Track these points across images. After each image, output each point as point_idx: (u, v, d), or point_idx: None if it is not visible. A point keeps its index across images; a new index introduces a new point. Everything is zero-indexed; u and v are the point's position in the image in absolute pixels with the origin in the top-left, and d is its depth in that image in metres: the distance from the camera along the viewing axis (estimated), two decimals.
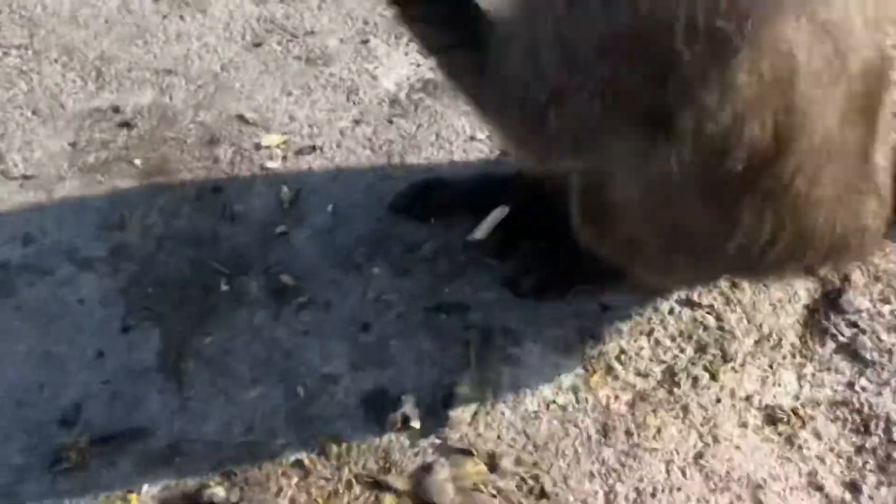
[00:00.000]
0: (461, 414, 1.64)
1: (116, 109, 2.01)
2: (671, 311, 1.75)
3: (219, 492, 1.53)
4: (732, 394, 1.66)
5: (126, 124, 1.99)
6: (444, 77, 1.64)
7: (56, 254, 1.80)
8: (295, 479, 1.56)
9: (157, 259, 1.81)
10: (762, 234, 1.47)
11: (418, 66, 2.15)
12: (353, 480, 1.56)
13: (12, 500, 1.52)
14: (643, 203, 1.49)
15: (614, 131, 1.40)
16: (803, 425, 1.62)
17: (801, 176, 1.44)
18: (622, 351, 1.72)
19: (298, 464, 1.58)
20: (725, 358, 1.69)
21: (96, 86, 2.05)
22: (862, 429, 1.61)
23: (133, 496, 1.53)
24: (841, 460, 1.58)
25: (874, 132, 1.53)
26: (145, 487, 1.54)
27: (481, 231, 1.84)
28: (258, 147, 1.98)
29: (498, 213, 1.84)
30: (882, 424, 1.61)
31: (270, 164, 1.96)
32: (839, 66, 1.39)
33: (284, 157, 1.97)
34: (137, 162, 1.94)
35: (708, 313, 1.74)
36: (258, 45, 2.14)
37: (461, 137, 2.02)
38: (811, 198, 1.47)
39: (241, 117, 2.02)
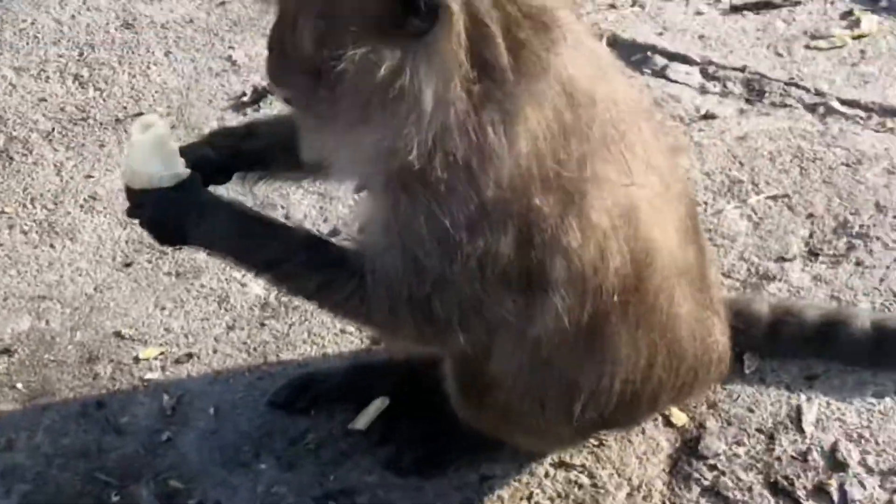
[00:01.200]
0: None
1: None
2: (546, 475, 1.83)
3: None
4: None
5: (6, 351, 2.00)
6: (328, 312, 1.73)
7: None
8: None
9: (47, 476, 1.82)
10: (640, 359, 1.58)
11: None
12: None
13: None
14: (525, 368, 1.59)
15: (496, 302, 1.51)
16: None
17: (663, 295, 1.59)
18: None
19: None
20: None
21: None
22: None
23: None
24: None
25: (703, 250, 1.70)
26: None
27: (362, 421, 1.90)
28: (137, 360, 2.02)
29: (378, 404, 1.91)
30: None
31: (150, 376, 2.00)
32: (665, 192, 1.57)
33: (163, 368, 2.02)
34: (19, 386, 1.96)
35: (580, 472, 1.82)
36: (129, 264, 2.20)
37: (332, 332, 2.09)
38: (674, 313, 1.62)
39: (118, 334, 2.07)
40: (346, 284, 1.55)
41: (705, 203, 2.26)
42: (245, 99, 2.63)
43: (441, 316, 1.50)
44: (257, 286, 2.19)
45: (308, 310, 2.13)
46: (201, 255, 2.25)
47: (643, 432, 1.87)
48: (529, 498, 1.79)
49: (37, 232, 2.26)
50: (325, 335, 2.09)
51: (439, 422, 1.78)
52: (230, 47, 2.78)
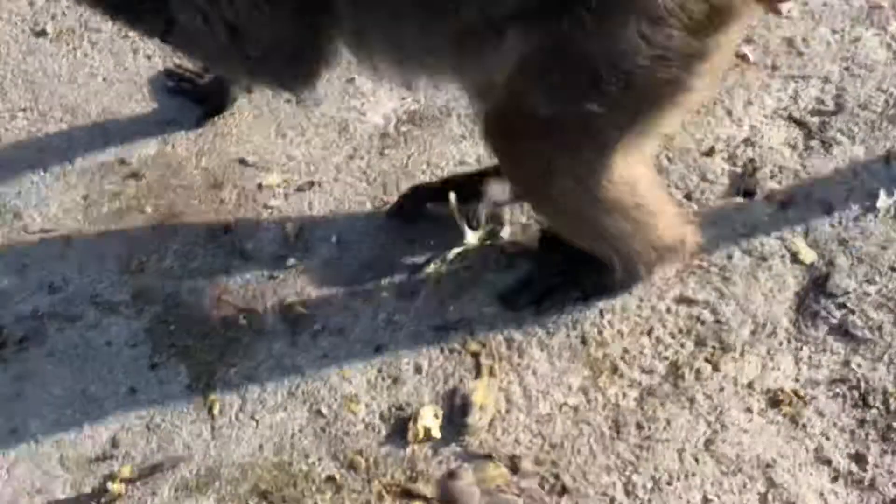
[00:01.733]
0: (479, 422, 1.67)
1: (123, 162, 2.04)
2: (668, 310, 1.80)
3: None
4: (735, 382, 1.70)
5: (134, 175, 2.02)
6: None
7: (81, 300, 1.83)
8: (328, 494, 1.59)
9: (177, 299, 1.84)
10: None
11: (403, 99, 2.19)
12: (384, 491, 1.59)
13: None
14: None
15: None
16: (805, 405, 1.66)
17: None
18: (625, 351, 1.76)
19: (330, 479, 1.61)
20: (725, 349, 1.74)
21: (102, 141, 2.07)
22: (861, 403, 1.66)
23: None
24: (844, 434, 1.63)
25: None
26: None
27: (472, 236, 1.87)
28: (260, 187, 2.02)
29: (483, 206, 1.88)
30: (880, 397, 1.66)
31: (273, 202, 2.00)
32: None
33: (286, 195, 2.01)
34: (149, 209, 1.97)
35: (703, 308, 1.79)
36: (250, 91, 2.18)
37: (451, 163, 2.06)
38: None
39: (241, 161, 2.06)
40: None
41: (842, 30, 2.14)
42: None
43: None
44: (376, 116, 2.16)
45: (426, 140, 2.10)
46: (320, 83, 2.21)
47: (769, 269, 1.82)
48: (650, 333, 1.77)
49: (161, 58, 2.25)
50: (443, 165, 2.06)
51: (554, 259, 1.76)
52: None
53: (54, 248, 1.90)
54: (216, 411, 1.69)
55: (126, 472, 1.61)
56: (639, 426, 1.67)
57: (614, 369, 1.74)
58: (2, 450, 1.64)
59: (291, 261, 1.91)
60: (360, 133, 2.13)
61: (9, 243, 1.89)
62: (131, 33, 2.22)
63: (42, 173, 2.01)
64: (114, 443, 1.65)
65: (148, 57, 2.24)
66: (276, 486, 1.60)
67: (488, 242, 1.89)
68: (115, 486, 1.59)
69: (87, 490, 1.60)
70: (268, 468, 1.62)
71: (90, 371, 1.74)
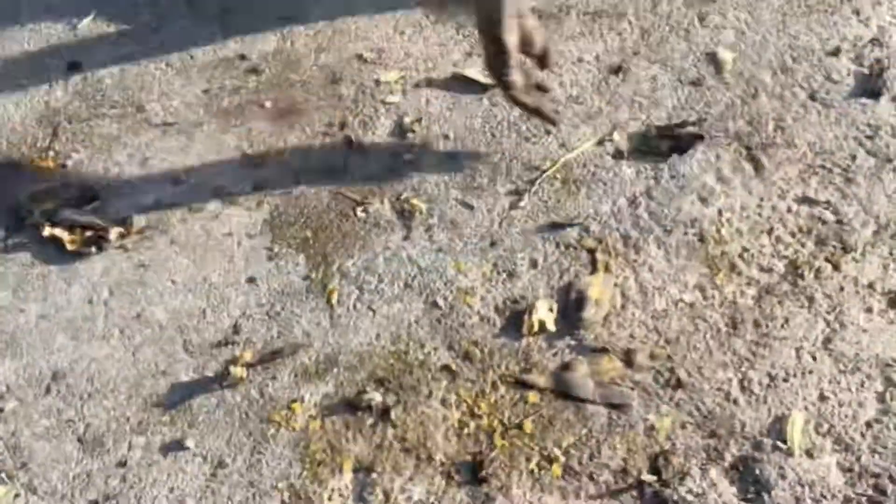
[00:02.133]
0: (594, 316, 1.64)
1: (243, 57, 2.03)
2: (789, 210, 1.74)
3: (376, 397, 1.56)
4: (855, 282, 1.64)
5: (254, 70, 2.01)
6: None
7: (203, 191, 1.83)
8: (444, 383, 1.59)
9: (295, 191, 1.84)
10: None
11: None
12: (498, 381, 1.58)
13: (188, 414, 1.57)
14: None
15: None
16: None
17: None
18: (744, 249, 1.71)
19: (445, 368, 1.60)
20: (846, 249, 1.67)
21: (222, 36, 2.07)
22: None
23: (297, 405, 1.57)
24: None
25: None
26: (307, 396, 1.57)
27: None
28: (378, 83, 2.00)
29: None
30: None
31: (391, 98, 1.97)
32: None
33: (404, 91, 1.99)
34: (268, 104, 1.96)
35: (825, 208, 1.72)
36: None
37: (569, 60, 2.01)
38: None
39: (359, 57, 2.04)
40: None
41: None
42: None
43: None
44: None
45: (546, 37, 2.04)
46: None
47: (894, 171, 1.74)
48: (770, 232, 1.71)
49: None
50: (561, 63, 2.00)
51: None
52: None
53: (176, 140, 1.91)
54: (334, 301, 1.69)
55: (248, 356, 1.62)
56: (756, 324, 1.62)
57: (732, 267, 1.69)
58: (127, 334, 1.66)
59: (407, 156, 1.89)
60: None
61: (132, 136, 1.90)
62: None
63: (164, 67, 2.01)
64: (235, 329, 1.66)
65: None
66: (393, 373, 1.60)
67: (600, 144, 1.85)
68: (236, 370, 1.60)
69: (210, 374, 1.62)
70: (384, 356, 1.62)
71: (211, 260, 1.75)
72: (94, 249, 1.73)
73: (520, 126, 1.92)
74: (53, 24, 2.07)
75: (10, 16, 2.07)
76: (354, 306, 1.68)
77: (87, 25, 2.07)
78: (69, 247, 1.73)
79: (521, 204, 1.81)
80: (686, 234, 1.73)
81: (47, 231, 1.74)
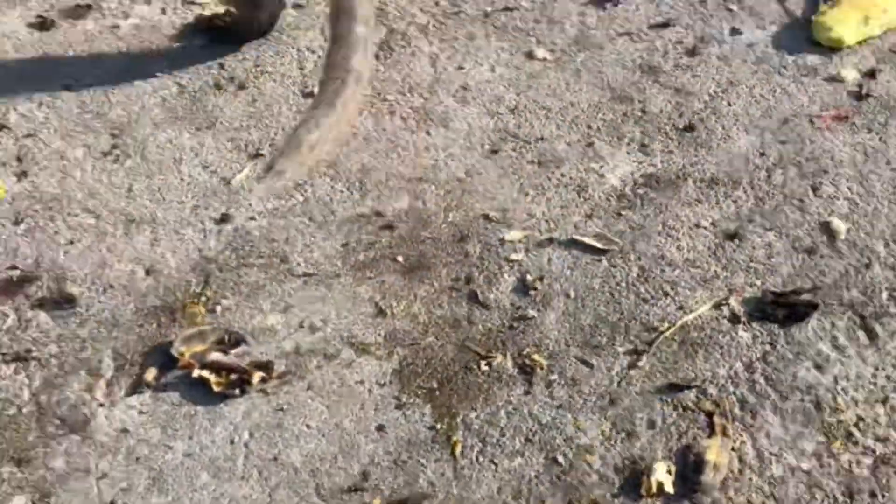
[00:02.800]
0: (712, 480, 1.63)
1: (378, 214, 2.09)
2: None
3: None
4: None
5: (388, 227, 2.07)
6: None
7: (338, 340, 1.88)
8: None
9: (423, 343, 1.87)
10: None
11: (640, 163, 2.18)
12: None
13: None
14: None
15: None
16: None
17: None
18: (860, 418, 1.68)
19: None
20: None
21: (360, 194, 2.14)
22: None
23: None
24: None
25: None
26: None
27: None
28: (502, 242, 2.04)
29: None
30: None
31: (514, 256, 2.01)
32: None
33: (527, 250, 2.02)
34: (400, 259, 2.01)
35: None
36: (495, 151, 2.21)
37: (686, 225, 2.03)
38: None
39: (485, 216, 2.08)
40: None
41: None
42: None
43: None
44: (614, 178, 2.15)
45: (662, 203, 2.08)
46: (561, 146, 2.23)
47: None
48: (885, 402, 1.71)
49: (414, 119, 2.30)
50: (679, 228, 2.03)
51: None
52: None
53: (316, 290, 1.96)
54: (458, 452, 1.71)
55: None
56: (872, 494, 1.58)
57: (848, 436, 1.66)
58: (265, 475, 1.69)
59: (530, 312, 1.91)
60: (598, 193, 2.12)
61: (276, 285, 1.97)
62: (388, 97, 2.29)
63: (308, 221, 2.09)
64: (364, 476, 1.68)
65: (403, 119, 2.29)
66: None
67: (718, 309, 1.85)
68: None
69: None
70: None
71: (344, 407, 1.78)
72: (237, 392, 1.78)
73: (638, 287, 1.94)
74: (209, 179, 2.17)
75: (173, 172, 2.18)
76: (477, 459, 1.69)
77: (240, 181, 2.16)
78: (215, 388, 1.78)
79: (640, 364, 1.82)
80: (802, 400, 1.72)
81: (196, 372, 1.80)
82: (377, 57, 2.42)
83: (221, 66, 2.40)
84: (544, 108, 2.31)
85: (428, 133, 2.27)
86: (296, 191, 2.14)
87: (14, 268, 2.01)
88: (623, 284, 1.95)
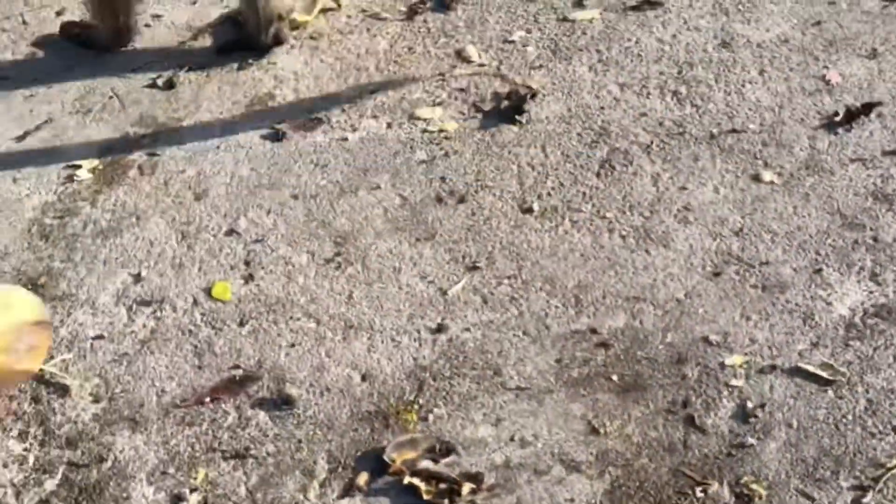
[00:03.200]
0: None
1: (594, 331, 2.19)
2: None
3: None
4: None
5: (603, 345, 2.16)
6: None
7: (549, 456, 1.97)
8: None
9: (637, 464, 1.94)
10: None
11: (871, 292, 2.20)
12: None
13: None
14: None
15: None
16: None
17: None
18: None
19: None
20: None
21: (575, 311, 2.24)
22: None
23: None
24: None
25: None
26: None
27: None
28: (722, 366, 2.09)
29: None
30: None
31: (734, 382, 2.06)
32: None
33: (747, 376, 2.07)
34: (615, 377, 2.10)
35: None
36: (717, 274, 2.28)
37: None
38: None
39: (705, 339, 2.15)
40: None
41: None
42: (837, 118, 2.62)
43: None
44: (843, 307, 2.18)
45: (894, 334, 2.09)
46: (787, 270, 2.27)
47: None
48: None
49: (633, 237, 2.40)
50: None
51: None
52: (824, 67, 2.78)
53: (528, 405, 2.07)
54: None
55: None
56: None
57: None
58: None
59: (749, 440, 1.95)
60: (826, 321, 2.16)
61: (489, 397, 2.08)
62: (608, 215, 2.40)
63: (521, 335, 2.20)
64: None
65: (622, 237, 2.39)
66: None
67: None
68: None
69: None
70: None
71: None
72: (446, 501, 1.89)
73: (866, 421, 1.95)
74: (426, 289, 2.32)
75: (392, 281, 2.34)
76: None
77: (457, 292, 2.31)
78: (425, 496, 1.89)
79: (865, 500, 1.82)
80: None
81: (407, 479, 1.92)
82: (597, 175, 2.54)
83: (443, 180, 2.58)
84: (770, 232, 2.37)
85: (647, 252, 2.36)
86: (511, 304, 2.27)
87: (237, 367, 2.20)
88: (849, 417, 1.97)
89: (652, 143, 2.62)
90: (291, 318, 2.29)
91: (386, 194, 2.57)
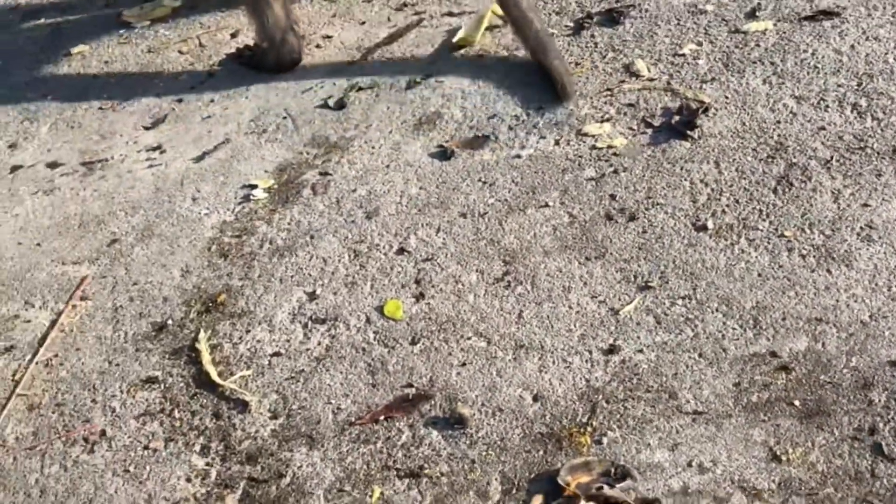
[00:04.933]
0: None
1: (774, 354, 2.13)
2: None
3: None
4: None
5: (784, 368, 2.10)
6: None
7: (728, 483, 1.92)
8: None
9: (821, 494, 1.88)
10: None
11: None
12: None
13: None
14: None
15: None
16: None
17: None
18: None
19: None
20: None
21: (754, 332, 2.19)
22: None
23: None
24: None
25: None
26: None
27: None
28: None
29: None
30: None
31: None
32: None
33: None
34: (797, 403, 2.03)
35: None
36: None
37: None
38: None
39: (892, 363, 2.07)
40: None
41: None
42: None
43: None
44: None
45: None
46: None
47: None
48: None
49: (814, 256, 2.33)
50: None
51: None
52: None
53: (705, 429, 2.02)
54: None
55: None
56: None
57: None
58: None
59: None
60: None
61: (664, 420, 2.04)
62: (787, 233, 2.34)
63: (697, 357, 2.16)
64: None
65: (802, 256, 2.32)
66: None
67: None
68: None
69: None
70: None
71: None
72: None
73: None
74: (597, 309, 2.30)
75: (562, 300, 2.33)
76: None
77: (629, 312, 2.28)
78: None
79: None
80: None
81: (582, 503, 1.90)
82: (774, 192, 2.48)
83: (612, 198, 2.55)
84: None
85: (829, 272, 2.29)
86: (685, 325, 2.22)
87: (410, 385, 2.22)
88: None
89: (832, 157, 2.54)
90: (462, 337, 2.30)
91: (554, 212, 2.56)
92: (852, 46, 2.84)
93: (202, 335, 2.40)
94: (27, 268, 2.69)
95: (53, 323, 2.51)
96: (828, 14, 2.93)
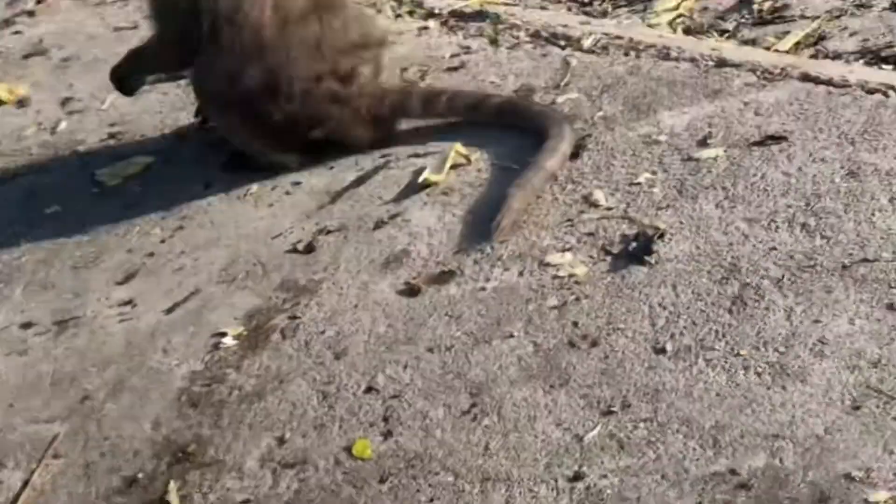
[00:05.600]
0: None
1: (733, 472, 2.19)
2: None
3: None
4: None
5: (743, 486, 2.16)
6: None
7: None
8: None
9: None
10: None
11: None
12: None
13: None
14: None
15: None
16: None
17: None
18: None
19: None
20: None
21: (714, 451, 2.25)
22: None
23: None
24: None
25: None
26: None
27: None
28: (866, 503, 2.06)
29: None
30: None
31: None
32: None
33: None
34: None
35: None
36: (857, 408, 2.27)
37: None
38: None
39: (848, 476, 2.13)
40: None
41: None
42: None
43: None
44: None
45: None
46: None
47: None
48: None
49: (769, 374, 2.41)
50: None
51: None
52: None
53: None
54: None
55: None
56: None
57: None
58: None
59: None
60: None
61: None
62: (742, 352, 2.42)
63: (660, 479, 2.22)
64: None
65: (758, 373, 2.40)
66: None
67: None
68: None
69: None
70: None
71: None
72: None
73: None
74: (562, 437, 2.37)
75: (528, 430, 2.40)
76: None
77: (593, 438, 2.35)
78: None
79: None
80: None
81: None
82: (730, 312, 2.57)
83: (575, 325, 2.64)
84: None
85: (784, 388, 2.36)
86: (648, 448, 2.29)
87: None
88: None
89: (783, 276, 2.64)
90: (430, 472, 2.36)
91: (519, 342, 2.64)
92: (799, 168, 2.97)
93: (172, 486, 2.45)
94: (0, 429, 2.75)
95: (26, 483, 2.57)
96: (776, 139, 3.07)
